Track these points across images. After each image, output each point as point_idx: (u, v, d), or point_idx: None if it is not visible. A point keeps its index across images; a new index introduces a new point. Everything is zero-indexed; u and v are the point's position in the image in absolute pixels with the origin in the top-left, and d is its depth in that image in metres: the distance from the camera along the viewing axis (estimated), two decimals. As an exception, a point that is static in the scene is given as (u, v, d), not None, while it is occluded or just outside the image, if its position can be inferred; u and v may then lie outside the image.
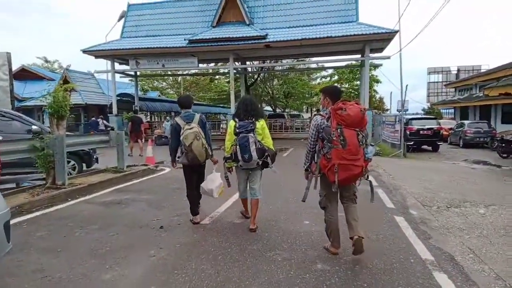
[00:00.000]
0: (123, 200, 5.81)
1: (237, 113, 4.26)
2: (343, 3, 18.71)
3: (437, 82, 56.44)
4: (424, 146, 16.99)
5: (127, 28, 20.93)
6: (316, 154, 3.40)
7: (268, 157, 4.17)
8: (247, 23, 18.99)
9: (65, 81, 24.03)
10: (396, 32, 16.40)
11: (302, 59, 21.84)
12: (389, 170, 8.89)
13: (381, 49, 19.34)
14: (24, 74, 30.29)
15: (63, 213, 5.12)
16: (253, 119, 4.11)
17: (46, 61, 47.77)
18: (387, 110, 35.50)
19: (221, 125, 27.19)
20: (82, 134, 7.69)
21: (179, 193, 6.17)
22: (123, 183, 7.37)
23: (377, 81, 34.78)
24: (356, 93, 35.93)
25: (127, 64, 20.69)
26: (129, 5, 21.27)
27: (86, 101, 22.72)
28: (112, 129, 18.87)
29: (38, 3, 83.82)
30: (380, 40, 17.29)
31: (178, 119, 4.39)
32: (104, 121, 17.98)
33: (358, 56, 20.21)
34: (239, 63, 21.66)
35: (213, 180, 4.57)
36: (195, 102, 30.79)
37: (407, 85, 12.49)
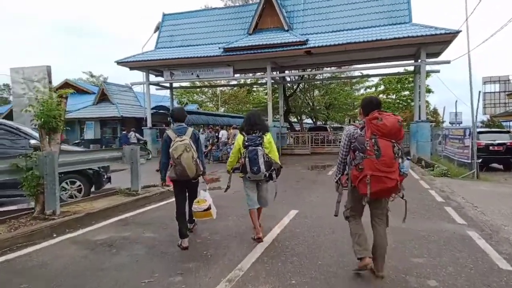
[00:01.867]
0: (118, 241, 4.39)
1: (243, 127, 4.40)
2: (393, 3, 16.73)
3: (493, 92, 51.56)
4: (494, 164, 14.38)
5: (161, 39, 20.34)
6: (347, 166, 3.27)
7: (274, 171, 4.33)
8: (286, 28, 17.58)
9: (102, 93, 24.07)
10: (459, 32, 14.22)
11: (346, 66, 19.88)
12: (470, 199, 6.86)
13: (437, 54, 17.04)
14: (67, 88, 31.04)
15: (28, 261, 3.80)
16: (261, 133, 4.29)
17: (92, 75, 49.69)
18: (443, 122, 32.30)
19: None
20: (87, 150, 6.53)
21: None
22: (132, 210, 6.03)
23: (429, 91, 31.81)
24: (405, 103, 33.22)
25: (163, 75, 20.02)
26: (163, 15, 20.75)
27: (122, 113, 22.34)
28: (145, 142, 18.18)
29: (80, 26, 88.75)
30: (438, 42, 15.09)
31: (169, 132, 4.18)
32: (137, 134, 17.24)
33: (410, 62, 17.99)
34: (277, 72, 20.20)
35: (209, 198, 4.34)
36: (232, 114, 29.86)
37: (480, 92, 10.28)
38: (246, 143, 4.22)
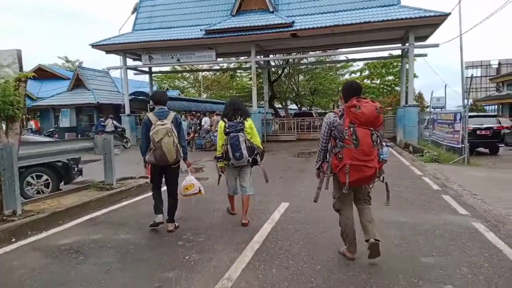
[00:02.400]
0: (86, 246, 3.81)
1: (225, 113, 4.42)
2: (381, -17, 16.23)
3: (475, 76, 52.38)
4: (480, 149, 14.33)
5: (139, 20, 19.25)
6: (328, 153, 3.25)
7: (258, 155, 4.39)
8: (271, 10, 16.85)
9: (77, 79, 22.83)
10: (448, 15, 13.89)
11: (333, 49, 19.37)
12: (467, 186, 6.57)
13: (425, 37, 16.80)
14: (41, 74, 29.49)
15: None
16: (242, 119, 4.31)
17: (67, 61, 47.43)
18: (427, 107, 32.37)
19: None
20: (53, 141, 5.81)
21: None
22: (105, 207, 5.42)
23: (414, 76, 31.71)
24: (389, 88, 33.13)
25: (141, 59, 19.01)
26: (141, -5, 19.59)
27: (98, 100, 21.23)
28: (124, 130, 17.33)
29: (53, 7, 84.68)
30: (427, 25, 14.78)
31: (150, 115, 4.07)
32: (114, 122, 16.32)
33: (398, 45, 17.64)
34: (262, 56, 19.54)
35: (191, 180, 4.42)
36: (215, 100, 28.98)
37: (472, 75, 9.99)
38: (228, 130, 4.23)
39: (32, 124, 22.88)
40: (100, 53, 18.47)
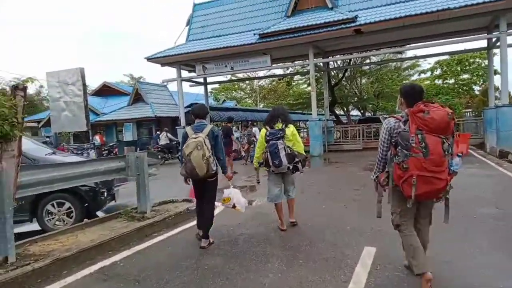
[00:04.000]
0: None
1: (267, 121, 4.62)
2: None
3: None
4: None
5: (192, 31, 18.82)
6: (387, 163, 2.93)
7: (299, 163, 4.48)
8: (330, 6, 15.23)
9: (137, 93, 23.18)
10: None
11: (401, 45, 17.03)
12: None
13: (514, 25, 13.86)
14: (107, 90, 30.99)
15: None
16: (283, 126, 4.46)
17: (132, 78, 50.06)
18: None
19: (301, 134, 23.64)
20: (71, 162, 4.75)
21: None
22: (130, 246, 4.29)
23: (495, 72, 27.57)
24: (466, 88, 29.12)
25: (195, 70, 18.50)
26: (194, 5, 19.18)
27: (156, 113, 21.22)
28: (178, 143, 16.81)
29: (116, 30, 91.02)
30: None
31: (188, 129, 4.16)
32: (169, 134, 15.85)
33: (483, 35, 14.82)
34: (321, 58, 17.86)
35: (234, 193, 4.36)
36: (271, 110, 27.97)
37: None
38: (268, 138, 4.37)
39: (97, 138, 23.72)
40: (162, 69, 18.33)
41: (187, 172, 3.93)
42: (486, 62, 26.98)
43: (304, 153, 4.57)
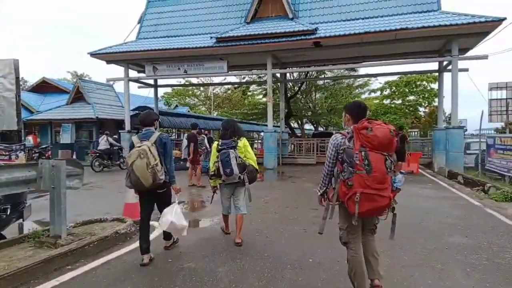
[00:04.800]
0: None
1: (222, 134, 4.60)
2: (418, -14, 14.18)
3: (500, 99, 49.79)
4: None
5: (144, 28, 17.53)
6: (334, 179, 2.93)
7: (251, 173, 4.47)
8: (291, 16, 14.94)
9: (78, 92, 21.13)
10: (502, 20, 11.73)
11: (359, 62, 17.17)
12: None
13: (466, 50, 14.54)
14: (46, 87, 28.18)
15: None
16: (235, 138, 4.48)
17: (76, 75, 46.51)
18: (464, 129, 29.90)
19: (254, 145, 22.97)
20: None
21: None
22: (30, 286, 3.17)
23: (436, 95, 29.29)
24: (412, 109, 30.57)
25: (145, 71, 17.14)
26: (148, 1, 17.94)
27: (98, 114, 19.35)
28: (120, 149, 15.27)
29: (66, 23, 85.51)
30: (473, 34, 12.60)
31: (134, 138, 3.91)
32: (109, 138, 14.27)
33: (437, 58, 15.33)
34: (279, 68, 17.45)
35: (175, 213, 3.90)
36: (226, 118, 27.04)
37: None
38: (220, 147, 4.40)
39: (30, 139, 21.12)
40: (113, 69, 16.70)
41: (132, 183, 3.68)
42: (432, 85, 28.82)
43: (256, 166, 4.57)
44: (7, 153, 17.45)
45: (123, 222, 5.02)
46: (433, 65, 16.51)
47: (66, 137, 21.41)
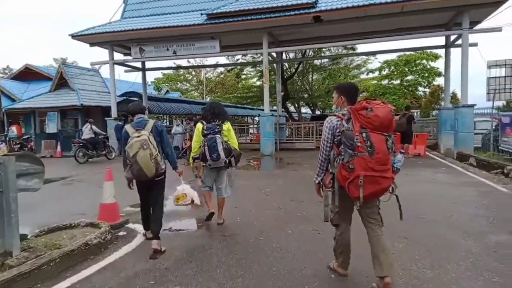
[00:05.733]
0: None
1: (204, 116, 4.56)
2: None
3: (498, 77, 49.18)
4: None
5: (129, 7, 16.28)
6: (330, 163, 2.81)
7: (233, 157, 4.47)
8: (288, -10, 13.76)
9: (61, 77, 19.86)
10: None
11: (361, 38, 16.07)
12: None
13: (475, 23, 13.55)
14: (29, 74, 26.76)
15: None
16: (220, 122, 4.43)
17: (64, 62, 44.73)
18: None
19: (250, 130, 22.03)
20: None
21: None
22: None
23: (438, 74, 28.33)
24: (412, 89, 29.55)
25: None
26: (133, -23, 16.58)
27: (82, 101, 18.16)
28: (106, 138, 14.24)
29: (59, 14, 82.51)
30: (487, 4, 11.57)
31: (127, 127, 3.81)
32: (93, 127, 13.21)
33: (445, 32, 14.30)
34: (275, 47, 16.31)
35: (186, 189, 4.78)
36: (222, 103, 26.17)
37: None
38: (205, 132, 4.35)
39: (14, 129, 19.95)
40: (101, 53, 15.48)
41: (134, 174, 3.64)
42: (432, 63, 27.85)
43: (238, 149, 4.61)
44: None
45: (97, 228, 4.12)
46: (439, 41, 15.55)
47: (52, 127, 20.23)
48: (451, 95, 27.70)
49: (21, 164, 3.50)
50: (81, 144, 12.65)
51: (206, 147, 4.27)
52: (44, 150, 16.97)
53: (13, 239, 3.22)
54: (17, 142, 16.15)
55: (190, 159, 4.71)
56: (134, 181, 3.87)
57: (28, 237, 3.88)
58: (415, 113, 26.37)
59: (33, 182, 3.68)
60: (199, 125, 4.46)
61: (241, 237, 4.16)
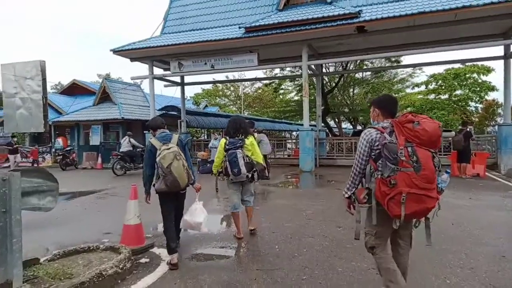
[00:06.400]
0: None
1: (227, 131, 4.62)
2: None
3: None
4: None
5: (169, 23, 16.43)
6: (365, 178, 2.65)
7: (256, 172, 4.52)
8: (328, 0, 13.21)
9: (104, 92, 20.50)
10: None
11: (409, 49, 15.00)
12: None
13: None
14: (76, 89, 28.18)
15: None
16: (243, 137, 4.49)
17: (107, 77, 46.85)
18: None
19: (288, 146, 21.37)
20: None
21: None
22: None
23: (491, 89, 26.12)
24: (462, 103, 27.41)
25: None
26: (172, -6, 16.85)
27: (123, 115, 18.52)
28: (143, 150, 14.24)
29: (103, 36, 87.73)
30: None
31: (153, 140, 3.86)
32: (132, 140, 13.22)
33: (499, 42, 12.98)
34: (315, 60, 15.67)
35: (196, 210, 4.15)
36: (258, 118, 25.63)
37: None
38: (227, 147, 4.40)
39: (60, 141, 20.82)
40: (142, 69, 15.77)
41: (168, 185, 3.64)
42: (483, 77, 25.80)
43: (262, 163, 4.60)
44: (30, 156, 17.07)
45: (117, 253, 3.65)
46: (495, 51, 14.16)
47: (95, 139, 20.91)
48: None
49: (33, 181, 3.14)
50: (119, 157, 12.66)
51: (227, 162, 4.32)
52: (85, 161, 17.37)
53: (14, 267, 2.80)
54: (60, 153, 16.62)
55: (214, 170, 4.70)
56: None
57: (41, 261, 3.47)
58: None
59: (46, 201, 3.30)
60: (222, 140, 4.52)
61: (280, 274, 3.49)
